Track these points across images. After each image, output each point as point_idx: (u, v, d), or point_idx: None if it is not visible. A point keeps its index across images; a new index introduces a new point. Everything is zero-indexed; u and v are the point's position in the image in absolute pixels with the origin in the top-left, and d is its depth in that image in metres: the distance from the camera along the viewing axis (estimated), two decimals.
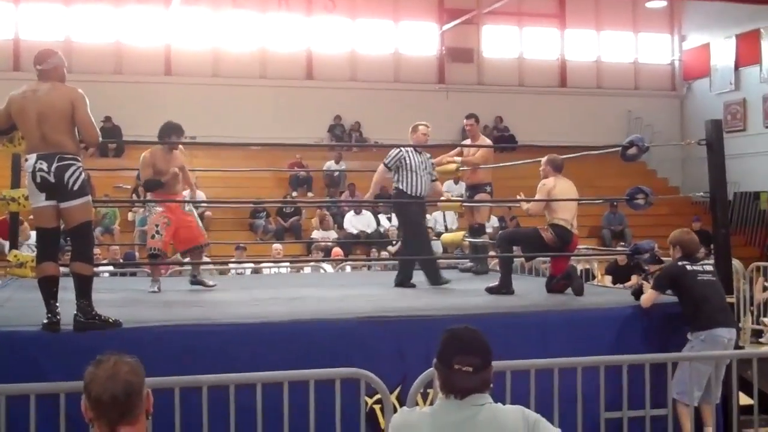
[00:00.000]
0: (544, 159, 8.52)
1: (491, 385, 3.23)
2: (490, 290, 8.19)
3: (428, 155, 9.32)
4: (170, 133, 8.82)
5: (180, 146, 9.18)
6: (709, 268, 7.15)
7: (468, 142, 10.53)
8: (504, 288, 8.15)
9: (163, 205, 8.74)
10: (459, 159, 10.41)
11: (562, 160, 8.52)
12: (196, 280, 9.08)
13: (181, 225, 8.86)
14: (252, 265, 13.90)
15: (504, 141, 22.47)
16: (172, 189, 8.92)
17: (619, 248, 15.68)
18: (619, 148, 8.57)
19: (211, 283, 9.15)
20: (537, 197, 8.37)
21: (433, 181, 9.32)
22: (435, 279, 8.93)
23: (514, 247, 8.96)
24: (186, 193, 9.39)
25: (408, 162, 8.92)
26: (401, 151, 8.99)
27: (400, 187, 8.98)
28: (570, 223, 8.20)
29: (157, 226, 8.74)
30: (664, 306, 7.09)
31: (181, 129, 8.93)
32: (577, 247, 8.56)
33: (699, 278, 6.91)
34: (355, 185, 20.13)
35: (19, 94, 5.92)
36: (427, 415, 3.24)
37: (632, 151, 8.37)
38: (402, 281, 9.01)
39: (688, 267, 6.98)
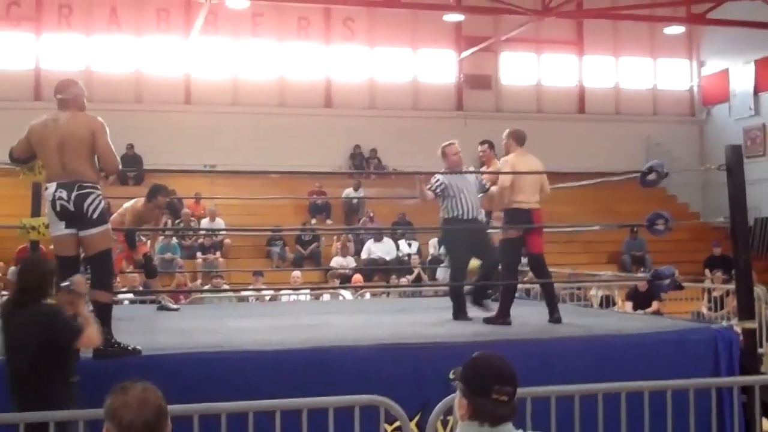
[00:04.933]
0: (505, 132, 8.39)
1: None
2: (487, 321, 7.95)
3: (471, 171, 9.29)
4: (157, 194, 9.77)
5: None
6: None
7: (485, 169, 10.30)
8: (501, 318, 7.91)
9: (118, 238, 9.43)
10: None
11: (524, 132, 8.35)
12: (162, 306, 9.93)
13: (127, 254, 9.93)
14: (271, 292, 13.92)
15: None
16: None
17: (639, 274, 15.57)
18: (639, 174, 8.53)
19: (174, 306, 10.09)
20: (500, 177, 8.23)
21: (486, 191, 8.90)
22: (457, 312, 8.53)
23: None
24: None
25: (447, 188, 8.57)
26: (438, 179, 8.59)
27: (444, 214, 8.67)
28: (527, 203, 8.01)
29: None
30: (683, 332, 7.03)
31: (168, 190, 10.21)
32: (540, 220, 8.19)
33: None
34: (374, 213, 20.18)
35: (40, 123, 5.97)
36: None
37: (652, 176, 8.30)
38: (455, 314, 8.54)
39: None
